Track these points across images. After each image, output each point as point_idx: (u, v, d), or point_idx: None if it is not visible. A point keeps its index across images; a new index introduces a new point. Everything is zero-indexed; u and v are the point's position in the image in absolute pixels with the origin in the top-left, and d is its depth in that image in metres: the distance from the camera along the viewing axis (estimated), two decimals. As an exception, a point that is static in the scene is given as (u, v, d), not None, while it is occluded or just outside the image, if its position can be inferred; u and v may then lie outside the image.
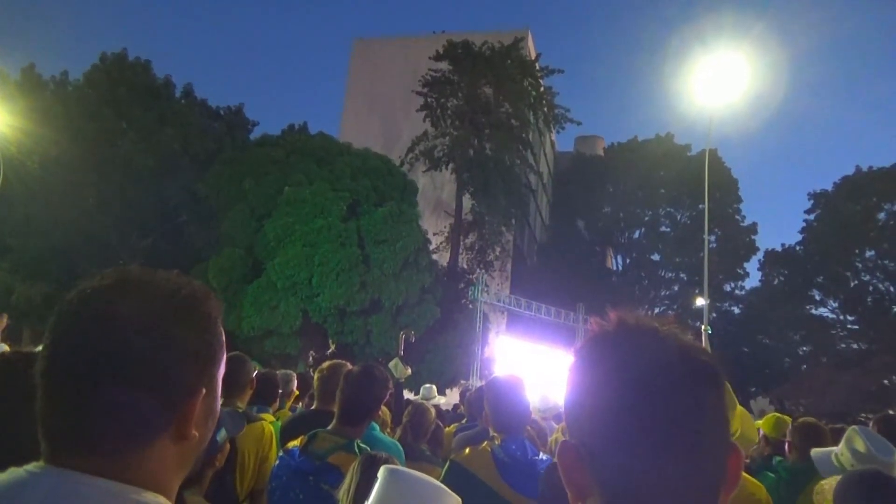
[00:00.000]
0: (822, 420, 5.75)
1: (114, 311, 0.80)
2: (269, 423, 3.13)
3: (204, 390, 0.85)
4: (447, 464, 2.61)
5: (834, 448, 2.81)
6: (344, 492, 1.95)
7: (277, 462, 2.57)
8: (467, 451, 2.61)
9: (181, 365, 0.82)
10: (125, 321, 0.80)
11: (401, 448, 3.03)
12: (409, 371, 6.81)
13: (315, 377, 3.60)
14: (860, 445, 2.61)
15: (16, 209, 20.69)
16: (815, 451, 2.93)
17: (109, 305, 0.81)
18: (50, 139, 20.28)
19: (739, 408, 2.34)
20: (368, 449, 2.49)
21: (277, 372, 4.80)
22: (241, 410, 3.00)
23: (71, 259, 21.73)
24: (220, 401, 0.91)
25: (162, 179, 22.68)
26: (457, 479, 2.44)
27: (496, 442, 2.58)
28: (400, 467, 1.73)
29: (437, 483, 1.59)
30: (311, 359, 21.41)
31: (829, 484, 2.35)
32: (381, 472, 1.63)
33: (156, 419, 0.80)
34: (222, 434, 2.04)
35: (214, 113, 28.76)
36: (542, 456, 2.55)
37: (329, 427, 2.62)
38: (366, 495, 1.66)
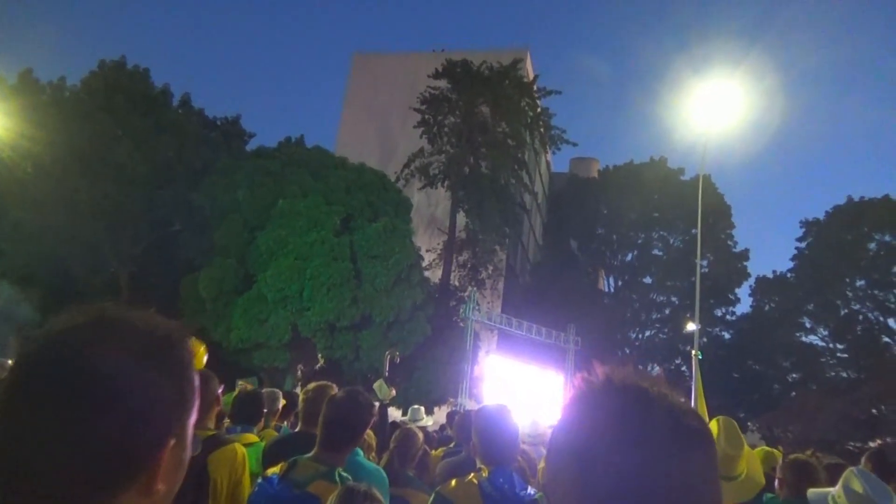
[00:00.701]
0: (811, 448, 5.70)
1: (81, 354, 0.75)
2: (243, 444, 3.04)
3: (174, 441, 0.78)
4: (432, 495, 2.53)
5: (830, 489, 2.77)
6: (323, 525, 1.87)
7: (256, 489, 2.49)
8: (453, 483, 2.52)
9: (151, 413, 0.76)
10: (93, 366, 0.74)
11: (384, 475, 2.94)
12: (394, 392, 6.72)
13: (300, 398, 3.52)
14: (858, 488, 2.57)
15: (7, 213, 20.54)
16: (812, 492, 2.89)
17: (77, 348, 0.75)
18: (44, 144, 20.15)
19: (746, 448, 2.31)
20: (350, 477, 2.41)
21: (263, 391, 4.72)
22: (212, 432, 2.92)
23: (62, 265, 21.54)
24: (189, 451, 0.84)
25: (156, 187, 22.57)
26: (442, 512, 2.36)
27: (484, 474, 2.50)
28: None
29: None
30: (299, 373, 21.24)
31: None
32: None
33: (120, 472, 0.74)
34: None
35: (211, 123, 28.72)
36: (530, 490, 2.48)
37: (310, 453, 2.54)
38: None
